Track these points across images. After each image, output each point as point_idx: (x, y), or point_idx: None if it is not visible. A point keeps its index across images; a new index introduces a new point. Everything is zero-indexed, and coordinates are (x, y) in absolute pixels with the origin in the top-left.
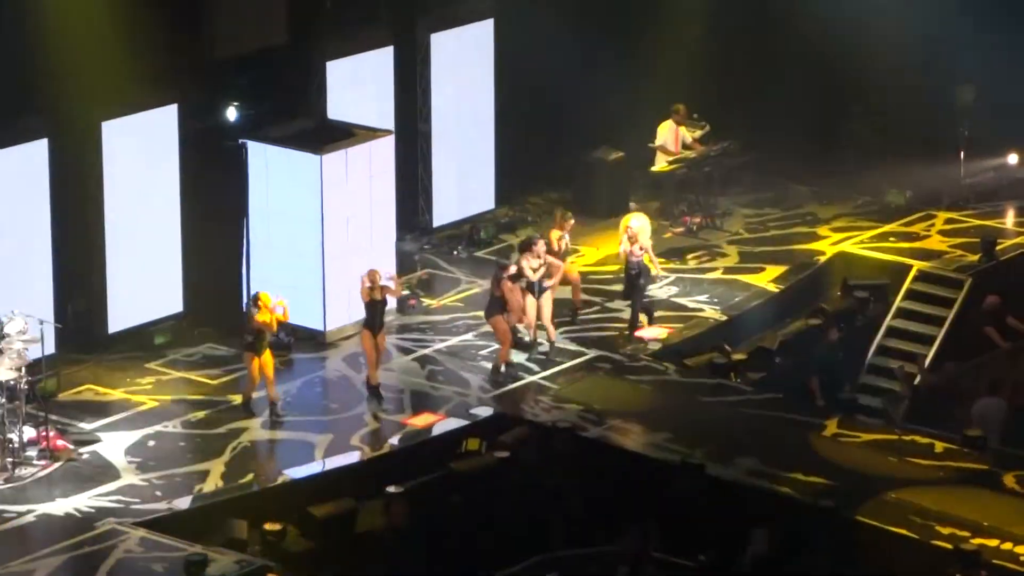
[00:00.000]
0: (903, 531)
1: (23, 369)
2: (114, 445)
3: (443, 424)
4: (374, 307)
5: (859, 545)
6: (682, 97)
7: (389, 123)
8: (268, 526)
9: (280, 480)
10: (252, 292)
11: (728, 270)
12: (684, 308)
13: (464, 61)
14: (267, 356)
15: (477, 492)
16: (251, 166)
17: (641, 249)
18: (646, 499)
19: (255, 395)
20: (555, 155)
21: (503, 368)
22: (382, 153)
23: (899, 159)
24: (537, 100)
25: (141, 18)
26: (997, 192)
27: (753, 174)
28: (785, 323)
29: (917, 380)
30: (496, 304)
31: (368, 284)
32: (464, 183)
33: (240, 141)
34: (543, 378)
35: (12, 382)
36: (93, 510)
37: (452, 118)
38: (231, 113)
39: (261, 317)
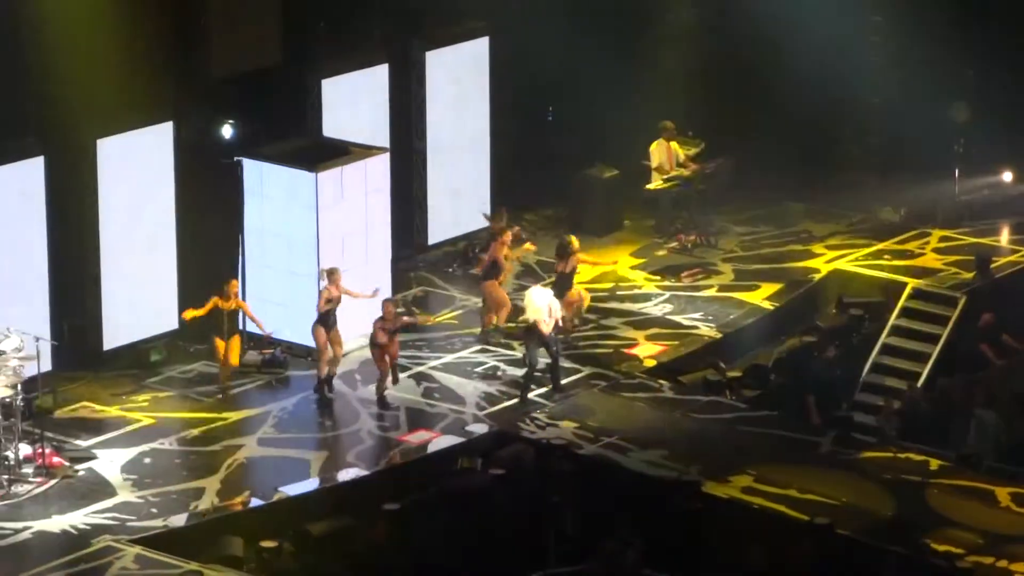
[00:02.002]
0: (899, 549)
1: (19, 386)
2: (110, 462)
3: (439, 441)
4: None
5: (854, 563)
6: (677, 114)
7: (384, 141)
8: (264, 543)
9: (276, 497)
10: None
11: (723, 288)
12: (679, 326)
13: (459, 79)
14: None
15: (472, 509)
16: (246, 184)
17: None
18: (641, 517)
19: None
20: (550, 173)
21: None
22: (377, 171)
23: (893, 177)
24: (532, 118)
25: (137, 36)
26: (992, 210)
27: (747, 192)
28: (780, 340)
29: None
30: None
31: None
32: (459, 201)
33: (235, 159)
34: (538, 395)
35: (8, 399)
36: (89, 527)
37: (447, 136)
38: (226, 131)
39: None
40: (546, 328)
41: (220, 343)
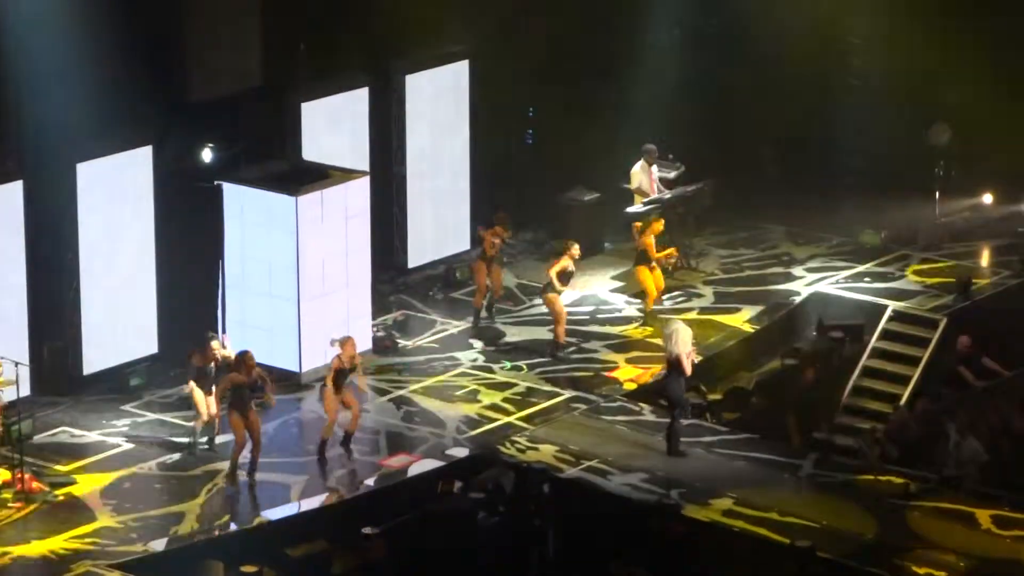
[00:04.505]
0: (880, 571)
1: None
2: (89, 487)
3: (419, 465)
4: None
5: None
6: (658, 137)
7: (364, 164)
8: (244, 568)
9: (256, 521)
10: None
11: (703, 310)
12: (659, 348)
13: (439, 102)
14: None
15: (453, 533)
16: (226, 207)
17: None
18: (622, 540)
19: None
20: (530, 196)
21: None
22: (357, 194)
23: (874, 199)
24: (512, 141)
25: (116, 60)
26: (972, 232)
27: (727, 214)
28: (760, 363)
29: (891, 420)
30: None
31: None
32: (439, 224)
33: (215, 182)
34: (519, 419)
35: None
36: (69, 552)
37: (427, 159)
38: (206, 154)
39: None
40: (688, 367)
41: (205, 399)
